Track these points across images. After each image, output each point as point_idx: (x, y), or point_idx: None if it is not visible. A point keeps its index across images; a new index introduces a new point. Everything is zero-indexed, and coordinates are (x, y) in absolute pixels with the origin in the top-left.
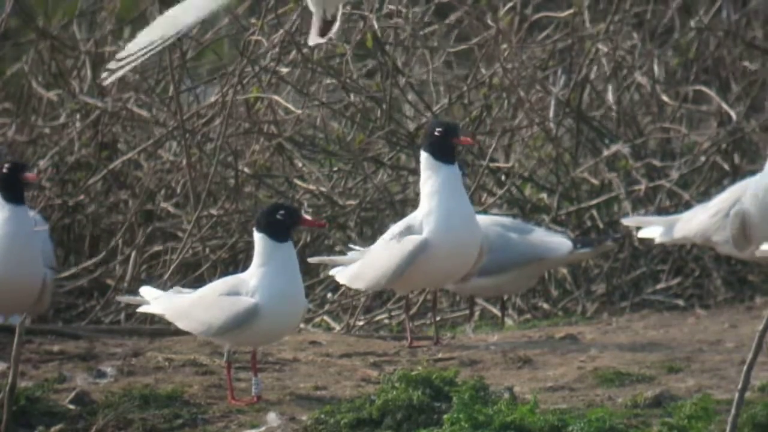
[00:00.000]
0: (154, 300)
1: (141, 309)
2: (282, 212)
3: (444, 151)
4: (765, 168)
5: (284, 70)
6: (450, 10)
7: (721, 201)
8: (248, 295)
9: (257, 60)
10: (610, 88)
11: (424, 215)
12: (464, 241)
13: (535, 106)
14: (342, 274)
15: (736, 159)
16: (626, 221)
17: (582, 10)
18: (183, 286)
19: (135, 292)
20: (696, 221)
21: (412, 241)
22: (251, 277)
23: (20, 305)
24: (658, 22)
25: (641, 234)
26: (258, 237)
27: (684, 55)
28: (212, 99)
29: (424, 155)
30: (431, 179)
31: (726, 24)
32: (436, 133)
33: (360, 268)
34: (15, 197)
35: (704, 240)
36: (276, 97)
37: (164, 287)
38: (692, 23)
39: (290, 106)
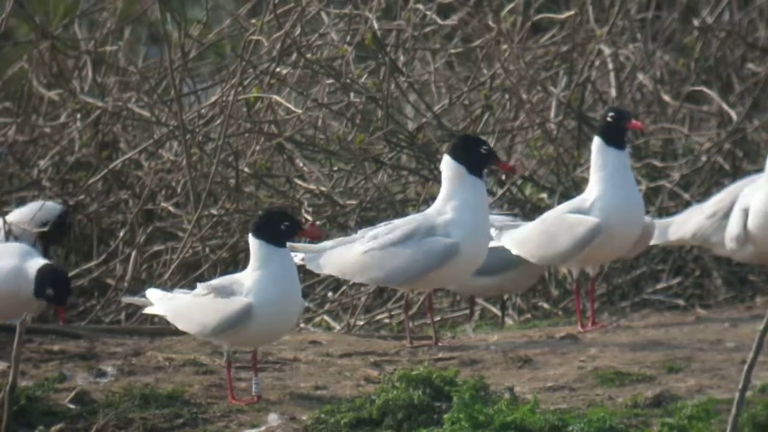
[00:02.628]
0: (157, 301)
1: (145, 310)
2: (286, 223)
3: (477, 165)
4: (764, 176)
5: (284, 71)
6: (452, 11)
7: (718, 202)
8: (243, 295)
9: (257, 61)
10: (612, 88)
11: (450, 220)
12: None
13: (536, 107)
14: (323, 264)
15: (737, 159)
16: None
17: (584, 10)
18: (184, 286)
19: (135, 292)
20: (692, 223)
21: (441, 242)
22: (247, 278)
23: (16, 315)
24: (660, 23)
25: None
26: (255, 242)
27: (688, 55)
28: (213, 99)
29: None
30: (459, 188)
31: (728, 24)
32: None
33: (377, 260)
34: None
35: (701, 241)
36: (276, 97)
37: (170, 288)
38: (695, 23)
39: (291, 106)
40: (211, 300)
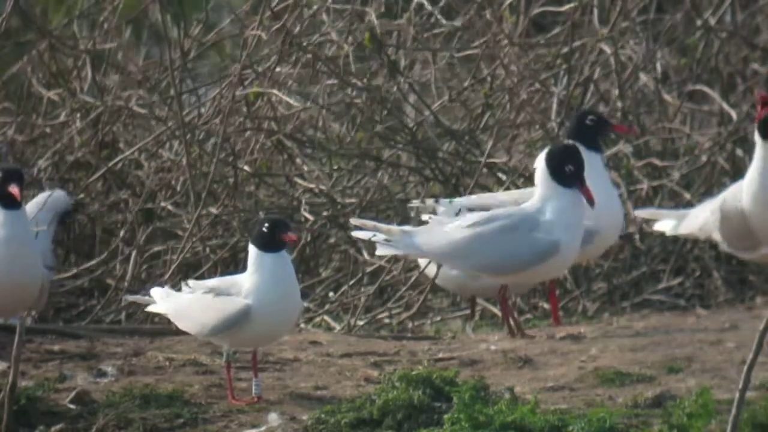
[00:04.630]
0: (161, 299)
1: (149, 308)
2: (267, 225)
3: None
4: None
5: (284, 69)
6: (454, 12)
7: (721, 198)
8: (242, 296)
9: (258, 58)
10: (613, 88)
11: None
12: None
13: (537, 107)
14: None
15: (738, 159)
16: (639, 213)
17: (587, 9)
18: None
19: (135, 292)
20: (701, 217)
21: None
22: (246, 279)
23: (19, 307)
24: (663, 23)
25: (655, 227)
26: (250, 248)
27: (690, 55)
28: (212, 96)
29: None
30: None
31: (730, 25)
32: None
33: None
34: (12, 202)
35: (706, 236)
36: (275, 92)
37: (176, 287)
38: (698, 23)
39: (290, 101)
40: (210, 300)
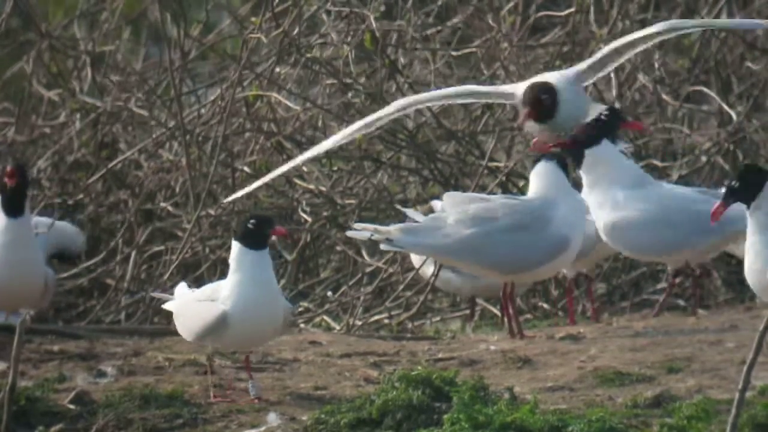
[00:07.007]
0: (177, 297)
1: (164, 306)
2: (253, 221)
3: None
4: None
5: (284, 71)
6: (453, 12)
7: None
8: (221, 302)
9: (256, 60)
10: (613, 88)
11: None
12: None
13: None
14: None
15: (737, 159)
16: None
17: (585, 8)
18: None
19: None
20: None
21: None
22: (226, 282)
23: (23, 305)
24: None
25: None
26: (233, 245)
27: (686, 55)
28: (212, 98)
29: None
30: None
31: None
32: None
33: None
34: (17, 210)
35: None
36: (275, 95)
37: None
38: None
39: (289, 104)
40: (194, 305)
